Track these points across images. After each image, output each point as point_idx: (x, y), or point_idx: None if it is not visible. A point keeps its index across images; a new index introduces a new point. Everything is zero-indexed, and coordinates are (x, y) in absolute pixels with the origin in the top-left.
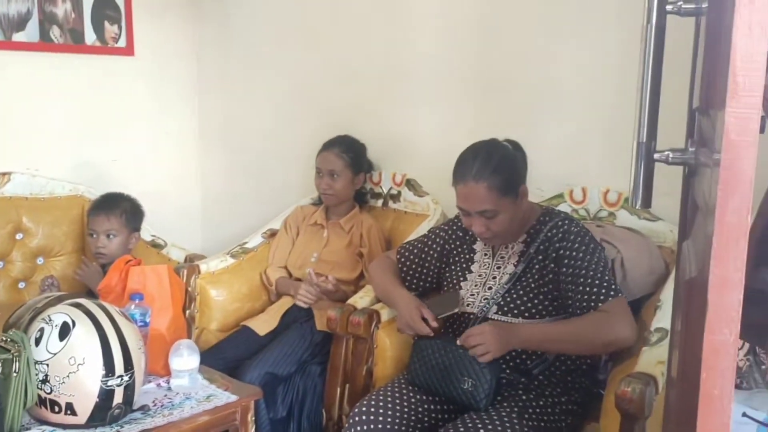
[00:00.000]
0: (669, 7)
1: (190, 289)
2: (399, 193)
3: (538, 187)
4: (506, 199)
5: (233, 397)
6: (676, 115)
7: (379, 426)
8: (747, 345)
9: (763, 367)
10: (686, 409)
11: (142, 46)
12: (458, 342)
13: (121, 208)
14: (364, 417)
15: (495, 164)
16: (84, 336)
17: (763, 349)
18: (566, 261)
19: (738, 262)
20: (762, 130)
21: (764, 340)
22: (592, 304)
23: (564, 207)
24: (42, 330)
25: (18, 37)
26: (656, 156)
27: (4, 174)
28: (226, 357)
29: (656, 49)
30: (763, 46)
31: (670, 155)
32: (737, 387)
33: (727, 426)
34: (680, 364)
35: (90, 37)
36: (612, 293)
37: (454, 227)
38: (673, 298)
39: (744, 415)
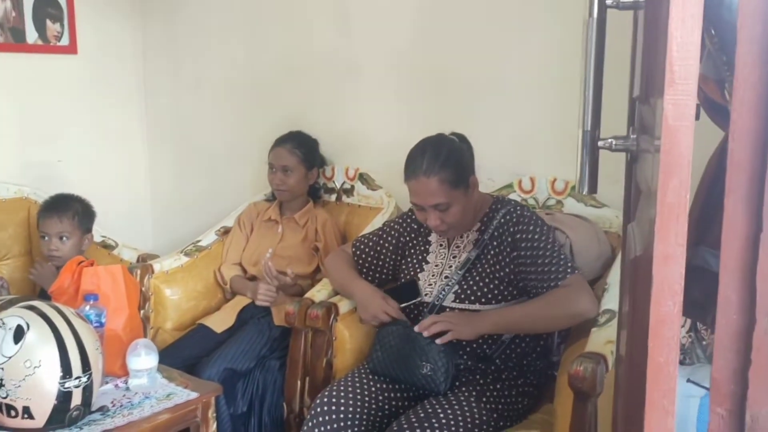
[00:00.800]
0: (609, 1)
1: (144, 288)
2: (352, 187)
3: (489, 178)
4: (457, 191)
5: (193, 394)
6: (617, 104)
7: (341, 416)
8: (689, 322)
9: (704, 342)
10: (635, 380)
11: (85, 45)
12: (416, 329)
13: (72, 210)
14: (325, 408)
15: (443, 158)
16: (39, 338)
17: (705, 324)
18: (524, 244)
19: (679, 237)
20: (697, 117)
21: (705, 315)
22: (552, 283)
23: (513, 196)
24: None
25: None
26: (600, 144)
27: None
28: (184, 355)
29: (598, 42)
30: (696, 37)
31: (614, 143)
32: (681, 363)
33: (673, 391)
34: (629, 340)
35: (32, 35)
36: (569, 270)
37: (408, 220)
38: (620, 280)
39: (689, 380)
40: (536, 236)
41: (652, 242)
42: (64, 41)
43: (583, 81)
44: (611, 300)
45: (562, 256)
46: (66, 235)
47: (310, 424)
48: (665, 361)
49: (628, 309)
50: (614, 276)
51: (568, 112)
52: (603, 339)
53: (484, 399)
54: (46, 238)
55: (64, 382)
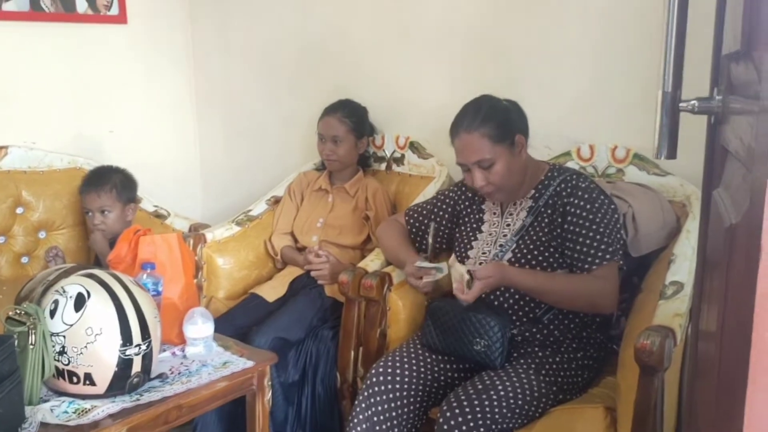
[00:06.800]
0: None
1: (196, 258)
2: (402, 156)
3: (546, 145)
4: (500, 147)
5: (249, 363)
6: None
7: (397, 386)
8: None
9: None
10: (731, 357)
11: (134, 14)
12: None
13: (110, 183)
14: (381, 378)
15: (485, 113)
16: (100, 306)
17: None
18: (570, 218)
19: None
20: None
21: None
22: (586, 266)
23: (571, 164)
24: (56, 302)
25: (8, 6)
26: (682, 105)
27: (0, 148)
28: (237, 324)
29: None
30: None
31: (696, 104)
32: None
33: None
34: (722, 314)
35: (81, 5)
36: (607, 257)
37: (464, 188)
38: (697, 252)
39: None
40: (584, 212)
41: (758, 208)
42: (114, 10)
43: (665, 40)
44: (678, 271)
45: (605, 240)
46: (107, 209)
47: (366, 393)
48: None
49: (721, 282)
50: (681, 247)
51: (629, 78)
52: (671, 312)
53: (543, 372)
54: (89, 213)
55: (125, 350)
